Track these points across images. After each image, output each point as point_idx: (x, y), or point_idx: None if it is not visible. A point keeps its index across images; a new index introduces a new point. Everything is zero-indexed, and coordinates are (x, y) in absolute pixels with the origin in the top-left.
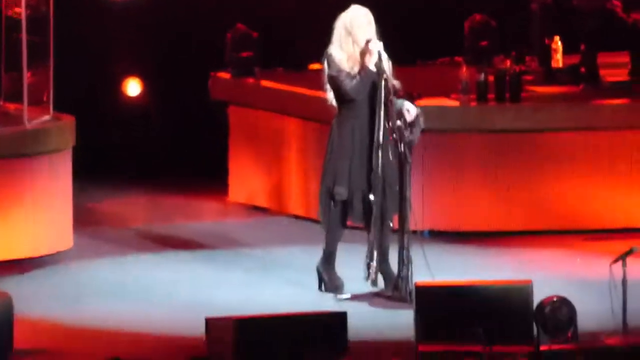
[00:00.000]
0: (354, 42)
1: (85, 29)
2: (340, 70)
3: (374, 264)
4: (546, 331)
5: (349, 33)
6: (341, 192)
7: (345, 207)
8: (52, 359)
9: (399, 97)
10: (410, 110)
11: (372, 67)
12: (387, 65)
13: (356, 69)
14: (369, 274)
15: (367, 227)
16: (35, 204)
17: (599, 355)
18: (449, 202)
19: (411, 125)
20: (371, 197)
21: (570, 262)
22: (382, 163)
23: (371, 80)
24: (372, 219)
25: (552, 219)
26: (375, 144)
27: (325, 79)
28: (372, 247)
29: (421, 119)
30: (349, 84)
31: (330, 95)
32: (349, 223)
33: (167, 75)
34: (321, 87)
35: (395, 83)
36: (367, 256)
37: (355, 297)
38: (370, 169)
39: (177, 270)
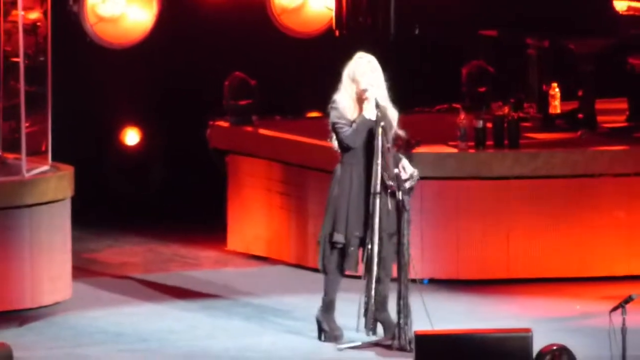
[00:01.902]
0: (357, 89)
1: (83, 78)
2: (339, 117)
3: (371, 313)
4: None
5: (353, 80)
6: (340, 239)
7: (344, 254)
8: None
9: (397, 145)
10: (405, 168)
11: (370, 115)
12: (389, 113)
13: (357, 116)
14: (365, 323)
15: (364, 275)
16: (34, 254)
17: None
18: (448, 250)
19: (405, 181)
20: (369, 245)
21: (569, 309)
22: (380, 211)
23: (368, 128)
24: (370, 267)
25: (551, 266)
26: (372, 192)
27: (329, 125)
28: (369, 295)
29: (416, 179)
30: (344, 132)
31: (334, 142)
32: (348, 271)
33: (165, 124)
34: (319, 135)
35: (399, 132)
36: (364, 304)
37: (355, 347)
38: (367, 216)
39: (176, 319)
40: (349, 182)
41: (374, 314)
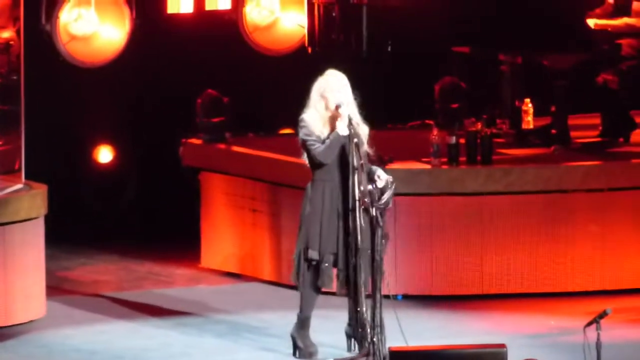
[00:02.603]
0: (327, 106)
1: (56, 97)
2: (309, 134)
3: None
4: None
5: (322, 97)
6: (314, 256)
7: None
8: None
9: (370, 161)
10: (381, 176)
11: (343, 132)
12: (361, 130)
13: (326, 132)
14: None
15: (339, 292)
16: (8, 272)
17: None
18: (422, 266)
19: (382, 191)
20: (352, 262)
21: (544, 325)
22: (354, 227)
23: (340, 145)
24: (355, 283)
25: (525, 282)
26: (350, 208)
27: (299, 142)
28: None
29: (393, 185)
30: (316, 149)
31: (305, 159)
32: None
33: (138, 142)
34: (292, 152)
35: (369, 150)
36: (348, 324)
37: None
38: (342, 233)
39: (149, 337)
40: (320, 199)
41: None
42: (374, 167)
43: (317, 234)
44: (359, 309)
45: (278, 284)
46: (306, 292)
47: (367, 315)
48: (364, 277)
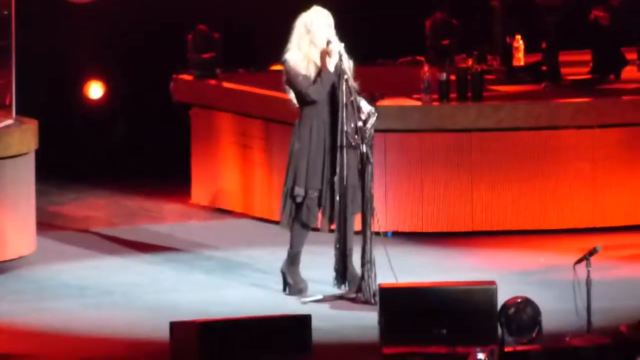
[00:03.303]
0: (312, 42)
1: (46, 32)
2: (297, 74)
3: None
4: (511, 332)
5: (308, 33)
6: (300, 192)
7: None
8: None
9: (357, 92)
10: (362, 108)
11: (332, 68)
12: (348, 65)
13: (311, 69)
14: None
15: (325, 228)
16: None
17: (564, 355)
18: (412, 202)
19: (364, 123)
20: (337, 198)
21: (534, 262)
22: (342, 164)
23: (331, 82)
24: (336, 220)
25: (515, 219)
26: (339, 145)
27: (284, 82)
28: (341, 250)
29: (375, 116)
30: (308, 87)
31: (292, 96)
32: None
33: (129, 77)
34: (283, 88)
35: (355, 84)
36: (337, 260)
37: (319, 300)
38: (329, 169)
39: (140, 272)
40: (308, 136)
41: (344, 267)
42: (358, 99)
43: (304, 170)
44: (344, 246)
45: (268, 221)
46: (296, 228)
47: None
48: (350, 213)
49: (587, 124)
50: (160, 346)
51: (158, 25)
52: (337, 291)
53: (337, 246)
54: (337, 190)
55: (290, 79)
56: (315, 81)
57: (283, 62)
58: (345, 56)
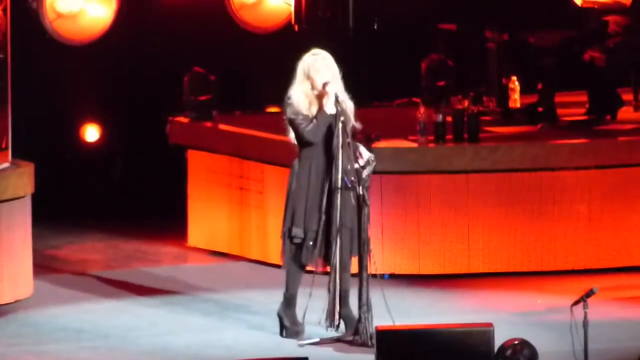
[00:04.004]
0: (312, 84)
1: (43, 75)
2: (297, 113)
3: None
4: None
5: (307, 76)
6: (298, 233)
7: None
8: None
9: (357, 139)
10: (362, 154)
11: (330, 110)
12: (347, 107)
13: (314, 111)
14: (331, 321)
15: (320, 269)
16: None
17: None
18: (409, 244)
19: (362, 168)
20: (337, 240)
21: (531, 303)
22: (340, 206)
23: (328, 123)
24: (331, 262)
25: (512, 260)
26: (334, 186)
27: (285, 121)
28: (332, 292)
29: (373, 163)
30: (305, 127)
31: (292, 136)
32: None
33: (125, 120)
34: (279, 130)
35: (356, 125)
36: (327, 302)
37: (316, 343)
38: (325, 211)
39: (137, 315)
40: (307, 177)
41: (334, 309)
42: (357, 144)
43: (302, 211)
44: (339, 288)
45: (265, 263)
46: (292, 270)
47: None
48: (344, 255)
49: (583, 165)
50: None
51: (154, 68)
52: (334, 334)
53: (330, 288)
54: (332, 232)
55: (291, 118)
56: (312, 122)
57: (287, 99)
58: (344, 97)
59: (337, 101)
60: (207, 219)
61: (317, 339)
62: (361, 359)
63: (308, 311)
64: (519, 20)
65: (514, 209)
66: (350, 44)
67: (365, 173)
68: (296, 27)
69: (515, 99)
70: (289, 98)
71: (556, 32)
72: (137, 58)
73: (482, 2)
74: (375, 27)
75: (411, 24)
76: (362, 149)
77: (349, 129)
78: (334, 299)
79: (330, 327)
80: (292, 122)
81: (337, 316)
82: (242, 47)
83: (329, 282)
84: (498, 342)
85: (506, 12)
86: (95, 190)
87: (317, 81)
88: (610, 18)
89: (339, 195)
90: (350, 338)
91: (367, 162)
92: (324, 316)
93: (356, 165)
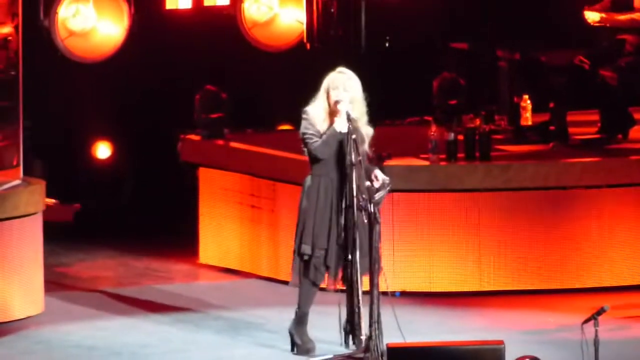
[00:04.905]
0: (329, 101)
1: (55, 93)
2: (308, 128)
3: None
4: None
5: (325, 92)
6: (307, 250)
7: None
8: None
9: (368, 158)
10: (378, 177)
11: (340, 128)
12: (364, 130)
13: (326, 126)
14: (348, 340)
15: (331, 287)
16: (6, 268)
17: None
18: (420, 262)
19: (377, 190)
20: (349, 257)
21: (542, 321)
22: (352, 223)
23: (337, 141)
24: (351, 280)
25: (523, 279)
26: (346, 204)
27: (300, 134)
28: (348, 309)
29: (388, 187)
30: (313, 143)
31: (305, 151)
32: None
33: (136, 137)
34: (291, 147)
35: (366, 148)
36: (346, 320)
37: (327, 359)
38: (335, 227)
39: (148, 333)
40: (316, 194)
41: (348, 326)
42: (372, 167)
43: (311, 228)
44: (355, 306)
45: (276, 280)
46: (304, 287)
47: (363, 311)
48: (359, 274)
49: (595, 184)
50: None
51: (166, 86)
52: (345, 351)
53: (347, 305)
54: (350, 249)
55: (303, 132)
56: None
57: (303, 113)
58: (365, 121)
59: (349, 119)
60: (218, 237)
61: (328, 356)
62: None
63: (320, 328)
64: (531, 39)
65: (525, 228)
66: (362, 62)
67: (379, 195)
68: (308, 46)
69: (527, 118)
70: (305, 112)
71: (568, 51)
72: (148, 76)
73: (494, 21)
74: (387, 45)
75: (423, 42)
76: (378, 172)
77: (361, 148)
78: (350, 316)
79: (349, 344)
80: (303, 137)
81: (352, 333)
82: (254, 65)
83: (348, 298)
84: None
85: (518, 32)
86: (107, 207)
87: (333, 98)
88: (624, 37)
89: (351, 213)
90: (361, 355)
91: (382, 185)
92: (340, 334)
93: (367, 184)
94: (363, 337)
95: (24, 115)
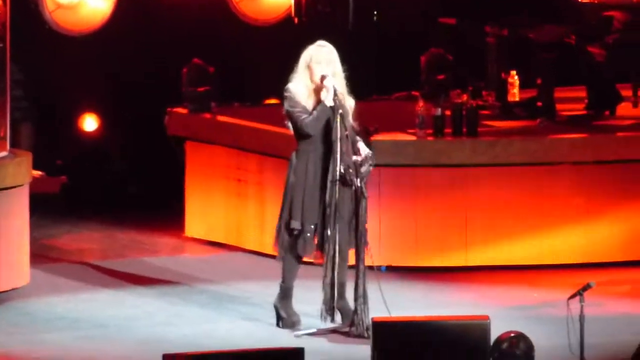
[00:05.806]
0: (311, 77)
1: (41, 65)
2: (295, 105)
3: (331, 301)
4: None
5: (307, 68)
6: (296, 225)
7: (301, 241)
8: None
9: (355, 131)
10: (360, 149)
11: (328, 103)
12: (346, 102)
13: (311, 103)
14: (324, 309)
15: (318, 261)
16: None
17: None
18: (406, 237)
19: (360, 164)
20: (328, 232)
21: (527, 297)
22: (338, 198)
23: (326, 116)
24: (326, 254)
25: (509, 254)
26: (331, 179)
27: (284, 112)
28: (329, 283)
29: (372, 160)
30: (303, 120)
31: (290, 127)
32: (305, 258)
33: (123, 110)
34: (277, 122)
35: (353, 123)
36: (323, 293)
37: (312, 334)
38: (323, 203)
39: (133, 305)
40: (304, 170)
41: (331, 300)
42: (356, 140)
43: (300, 204)
44: (335, 279)
45: (262, 254)
46: (288, 261)
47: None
48: (342, 248)
49: (582, 160)
50: None
51: (153, 59)
52: (330, 325)
53: (326, 279)
54: (329, 224)
55: (289, 110)
56: (311, 114)
57: (285, 91)
58: (345, 93)
59: (335, 94)
60: (204, 210)
61: (313, 330)
62: (357, 350)
63: (305, 302)
64: (519, 15)
65: (511, 203)
66: (350, 37)
67: (364, 169)
68: (296, 20)
69: (515, 94)
70: (287, 90)
71: (556, 27)
72: (136, 49)
73: None
74: (375, 20)
75: (411, 18)
76: (361, 145)
77: (347, 122)
78: (331, 289)
79: (327, 318)
80: (290, 114)
81: (334, 307)
82: (241, 39)
83: (326, 272)
84: (494, 335)
85: (506, 7)
86: (93, 180)
87: (316, 73)
88: (610, 13)
89: (337, 188)
90: (347, 329)
91: (365, 159)
92: (321, 307)
93: (354, 158)
94: (341, 309)
95: (14, 85)
